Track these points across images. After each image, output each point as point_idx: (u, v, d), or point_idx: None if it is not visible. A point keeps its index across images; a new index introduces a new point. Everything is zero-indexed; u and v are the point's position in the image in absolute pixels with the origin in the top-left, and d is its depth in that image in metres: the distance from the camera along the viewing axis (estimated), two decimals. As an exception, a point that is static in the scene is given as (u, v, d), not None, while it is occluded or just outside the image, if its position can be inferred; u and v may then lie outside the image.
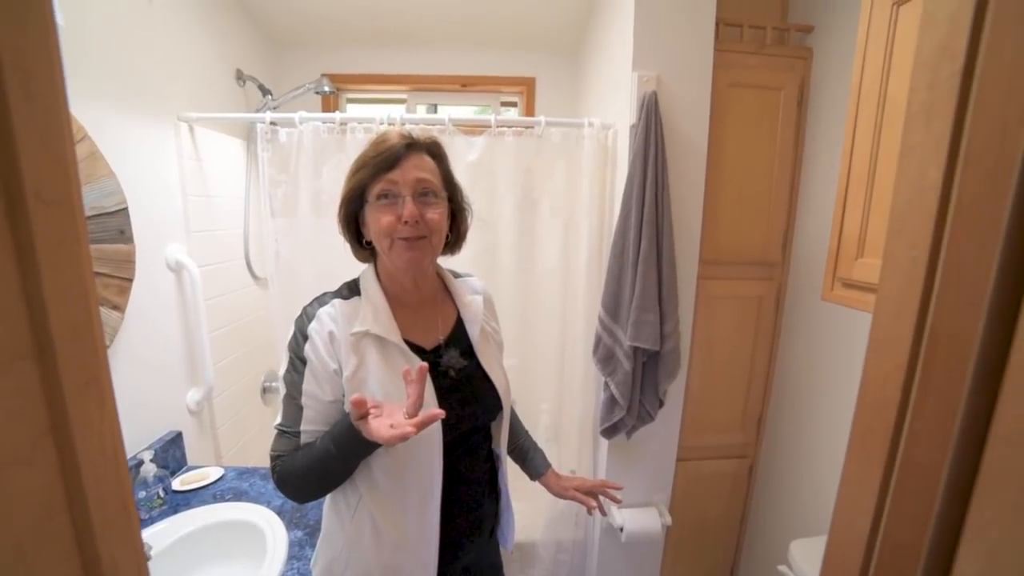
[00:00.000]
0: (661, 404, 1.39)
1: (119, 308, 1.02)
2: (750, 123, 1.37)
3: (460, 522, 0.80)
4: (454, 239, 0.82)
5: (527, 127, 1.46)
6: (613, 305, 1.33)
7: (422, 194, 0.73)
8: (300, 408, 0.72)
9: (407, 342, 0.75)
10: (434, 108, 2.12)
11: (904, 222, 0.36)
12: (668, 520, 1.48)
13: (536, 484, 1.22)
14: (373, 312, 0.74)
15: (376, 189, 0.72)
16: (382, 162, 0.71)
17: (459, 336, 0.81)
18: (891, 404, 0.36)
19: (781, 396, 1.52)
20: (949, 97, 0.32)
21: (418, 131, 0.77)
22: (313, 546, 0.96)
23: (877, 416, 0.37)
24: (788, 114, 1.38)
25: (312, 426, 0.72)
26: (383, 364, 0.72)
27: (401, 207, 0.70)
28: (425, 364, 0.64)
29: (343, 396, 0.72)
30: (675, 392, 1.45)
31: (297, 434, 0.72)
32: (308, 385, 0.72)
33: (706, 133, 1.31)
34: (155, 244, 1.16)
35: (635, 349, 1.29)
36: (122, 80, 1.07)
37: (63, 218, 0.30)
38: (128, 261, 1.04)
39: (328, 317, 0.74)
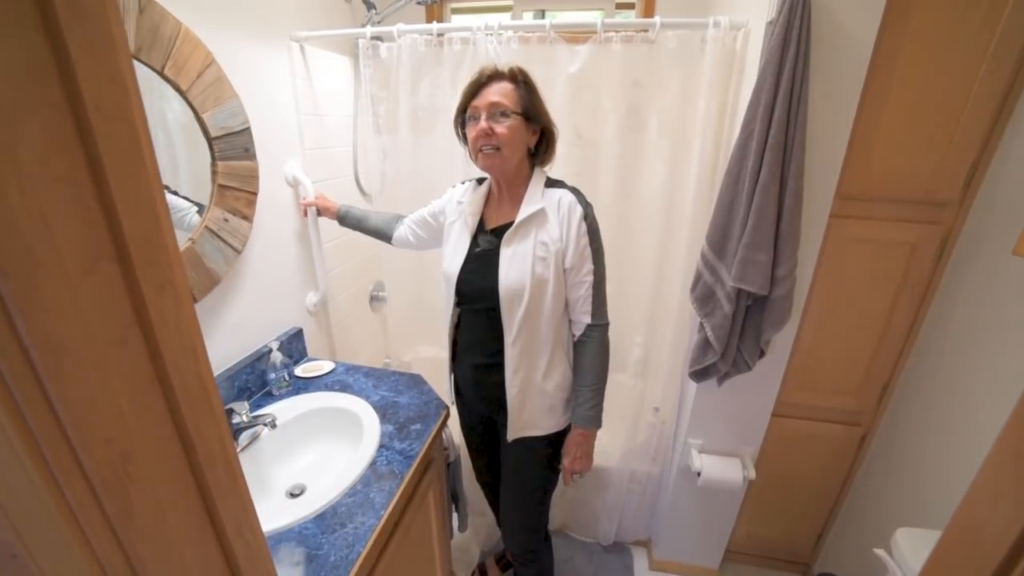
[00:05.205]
0: (762, 354, 1.26)
1: (248, 218, 1.17)
2: (952, 7, 1.00)
3: (468, 358, 1.12)
4: (544, 150, 1.04)
5: (640, 30, 1.27)
6: (720, 240, 1.18)
7: (495, 114, 0.95)
8: None
9: (482, 220, 1.08)
10: (541, 14, 1.93)
11: None
12: (752, 474, 1.40)
13: (616, 412, 1.46)
14: (472, 195, 1.10)
15: (467, 112, 1.00)
16: (469, 91, 0.99)
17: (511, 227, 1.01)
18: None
19: (922, 363, 1.27)
20: None
21: (508, 64, 0.98)
22: (402, 439, 1.08)
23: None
24: (1017, -9, 0.99)
25: None
26: (457, 225, 1.10)
27: (478, 125, 0.96)
28: (310, 199, 1.36)
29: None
30: (782, 343, 1.30)
31: None
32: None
33: (875, 26, 1.01)
34: (274, 161, 1.29)
35: (738, 291, 1.15)
36: (239, 4, 1.13)
37: (124, 132, 0.32)
38: (253, 176, 1.17)
39: (457, 191, 1.16)
